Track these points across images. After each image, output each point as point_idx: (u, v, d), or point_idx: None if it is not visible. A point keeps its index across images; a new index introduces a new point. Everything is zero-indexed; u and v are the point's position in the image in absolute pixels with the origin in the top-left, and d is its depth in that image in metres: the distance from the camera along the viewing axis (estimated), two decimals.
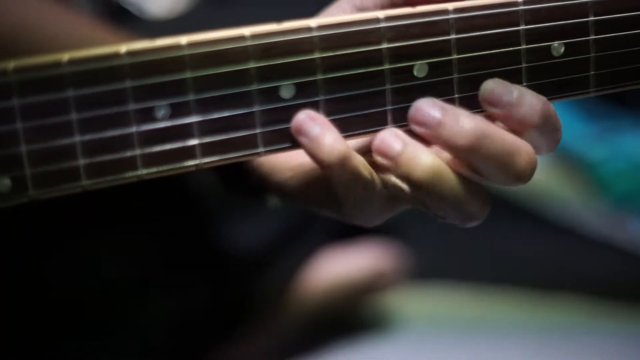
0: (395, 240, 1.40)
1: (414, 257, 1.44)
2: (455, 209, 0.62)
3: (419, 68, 0.61)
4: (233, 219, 1.20)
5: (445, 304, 1.56)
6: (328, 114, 0.60)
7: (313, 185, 0.68)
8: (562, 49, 0.64)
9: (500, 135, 0.61)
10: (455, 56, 0.62)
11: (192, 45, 0.56)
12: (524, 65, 0.64)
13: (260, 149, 0.60)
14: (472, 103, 0.63)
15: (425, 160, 0.60)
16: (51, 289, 1.11)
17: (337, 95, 0.60)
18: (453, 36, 0.61)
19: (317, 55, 0.59)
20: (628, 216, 1.82)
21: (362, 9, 0.65)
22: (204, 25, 1.17)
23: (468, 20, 0.62)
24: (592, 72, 0.65)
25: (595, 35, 0.65)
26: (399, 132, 0.61)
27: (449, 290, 1.58)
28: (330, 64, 0.60)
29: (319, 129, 0.58)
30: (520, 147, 0.61)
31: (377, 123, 0.61)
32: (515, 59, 0.63)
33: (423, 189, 0.60)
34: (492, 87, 0.61)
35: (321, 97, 0.60)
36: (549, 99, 0.64)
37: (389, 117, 0.61)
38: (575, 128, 1.95)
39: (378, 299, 1.44)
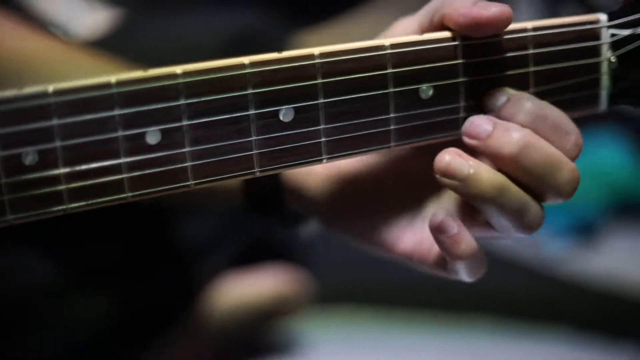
0: (298, 264, 1.40)
1: (321, 279, 1.45)
2: (519, 213, 0.63)
3: (285, 113, 0.61)
4: (151, 228, 1.19)
5: (352, 326, 1.56)
6: (194, 159, 0.60)
7: (343, 199, 0.73)
8: (431, 92, 0.65)
9: (544, 148, 0.63)
10: (321, 100, 0.62)
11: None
12: (392, 107, 0.64)
13: (128, 194, 0.60)
14: (338, 147, 0.63)
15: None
16: None
17: (203, 143, 0.60)
18: (319, 80, 0.62)
19: (182, 101, 0.59)
20: (541, 236, 1.84)
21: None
22: (126, 46, 1.17)
23: (335, 65, 0.62)
24: (461, 115, 0.66)
25: (464, 78, 0.66)
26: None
27: (356, 311, 1.59)
28: (196, 110, 0.60)
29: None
30: (563, 161, 0.63)
31: (242, 168, 0.61)
32: (384, 101, 0.64)
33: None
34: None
35: (187, 145, 0.60)
36: (419, 140, 0.65)
37: (255, 161, 0.61)
38: None
39: (282, 323, 1.44)
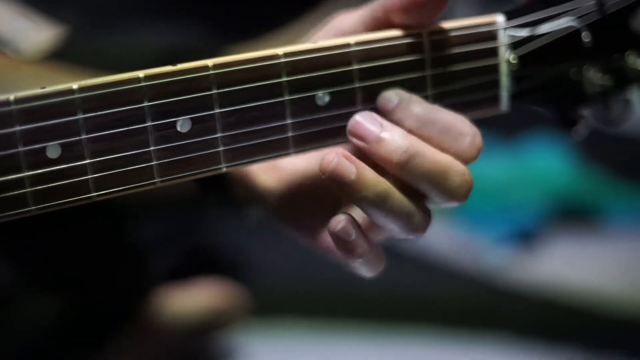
0: (235, 278, 1.42)
1: (260, 290, 1.46)
2: (404, 218, 0.64)
3: (182, 124, 0.63)
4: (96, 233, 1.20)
5: (292, 336, 1.57)
6: (95, 171, 0.62)
7: (298, 198, 0.73)
8: (327, 98, 0.66)
9: (432, 155, 0.64)
10: (217, 110, 0.63)
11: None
12: (288, 115, 0.66)
13: (32, 207, 0.61)
14: (237, 155, 0.65)
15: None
16: None
17: (103, 155, 0.61)
18: (214, 91, 0.63)
19: (80, 116, 0.61)
20: (480, 243, 1.85)
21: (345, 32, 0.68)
22: (70, 62, 1.19)
23: (229, 75, 0.64)
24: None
25: (360, 83, 0.67)
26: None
27: (295, 322, 1.60)
28: (95, 124, 0.61)
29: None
30: (453, 167, 0.64)
31: (143, 179, 0.63)
32: (280, 109, 0.65)
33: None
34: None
35: (88, 158, 0.61)
36: (320, 146, 0.66)
37: (155, 172, 0.63)
38: None
39: (220, 335, 1.45)
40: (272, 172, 0.77)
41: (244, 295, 1.42)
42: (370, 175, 0.63)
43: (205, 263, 1.41)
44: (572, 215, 1.94)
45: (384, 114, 0.66)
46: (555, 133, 2.03)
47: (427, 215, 0.66)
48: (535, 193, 1.91)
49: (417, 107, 0.66)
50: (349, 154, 0.63)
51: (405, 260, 1.81)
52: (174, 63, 0.64)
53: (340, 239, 0.64)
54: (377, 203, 0.63)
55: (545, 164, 1.96)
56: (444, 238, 1.86)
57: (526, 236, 1.85)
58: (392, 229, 0.66)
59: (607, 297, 1.72)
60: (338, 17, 0.71)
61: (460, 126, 0.67)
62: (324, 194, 0.68)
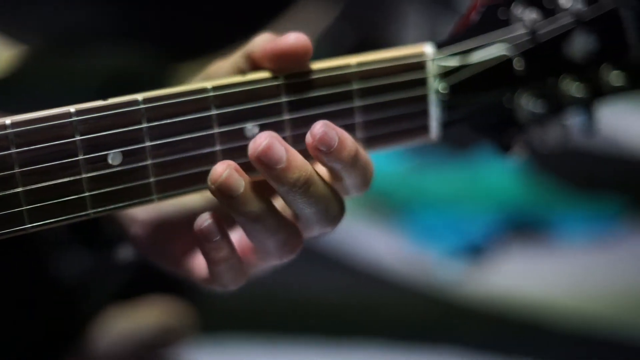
0: (183, 294, 1.43)
1: (207, 308, 1.47)
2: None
3: (113, 156, 0.65)
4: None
5: (237, 354, 1.58)
6: (29, 203, 0.63)
7: (161, 243, 0.75)
8: (257, 130, 0.68)
9: (323, 184, 0.66)
10: (148, 143, 0.65)
11: None
12: (218, 146, 0.68)
13: None
14: (168, 187, 0.67)
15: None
16: None
17: (36, 186, 0.63)
18: (144, 125, 0.65)
19: (13, 150, 0.63)
20: (431, 257, 1.86)
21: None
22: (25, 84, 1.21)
23: (159, 109, 0.66)
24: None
25: (289, 115, 0.69)
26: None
27: (241, 339, 1.61)
28: (28, 159, 0.63)
29: None
30: (335, 195, 0.67)
31: (76, 210, 0.65)
32: (210, 141, 0.67)
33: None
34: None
35: (20, 188, 0.63)
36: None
37: (88, 203, 0.65)
38: (385, 169, 2.01)
39: (168, 352, 1.46)
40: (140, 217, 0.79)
41: (192, 312, 1.43)
42: (253, 191, 0.64)
43: (152, 281, 1.42)
44: (523, 228, 1.96)
45: (320, 153, 0.66)
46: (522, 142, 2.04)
47: (299, 237, 0.68)
48: (485, 206, 1.93)
49: (350, 148, 0.66)
50: (238, 166, 0.64)
51: (355, 274, 1.83)
52: (123, 87, 0.66)
53: (203, 238, 0.65)
54: (256, 221, 0.65)
55: (495, 177, 1.98)
56: (394, 252, 1.87)
57: (477, 250, 1.86)
58: (269, 249, 0.67)
59: (558, 310, 1.73)
60: (214, 64, 0.72)
61: (371, 167, 0.69)
62: (190, 220, 0.69)
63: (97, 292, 1.28)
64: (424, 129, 0.75)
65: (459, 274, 1.84)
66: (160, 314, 1.40)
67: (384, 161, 2.01)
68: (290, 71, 0.68)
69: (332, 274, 1.82)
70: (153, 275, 1.41)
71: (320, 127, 0.64)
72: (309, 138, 0.64)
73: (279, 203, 0.67)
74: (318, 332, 1.64)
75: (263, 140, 0.63)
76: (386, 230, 1.95)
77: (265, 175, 0.64)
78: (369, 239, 1.93)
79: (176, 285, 1.41)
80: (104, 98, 0.65)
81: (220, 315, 1.58)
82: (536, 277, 1.86)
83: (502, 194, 1.96)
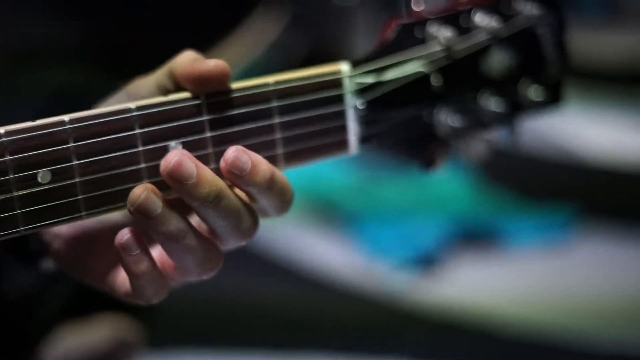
0: (132, 312, 1.45)
1: (153, 324, 1.50)
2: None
3: (43, 175, 0.68)
4: None
5: None
6: None
7: (85, 241, 0.77)
8: (180, 147, 0.72)
9: (235, 198, 0.69)
10: (75, 162, 0.69)
11: None
12: (143, 163, 0.71)
13: None
14: (97, 203, 0.70)
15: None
16: None
17: None
18: (72, 144, 0.68)
19: None
20: (382, 267, 1.89)
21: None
22: None
23: (85, 129, 0.69)
24: (212, 167, 0.73)
25: (211, 133, 0.73)
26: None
27: (190, 353, 1.63)
28: None
29: None
30: (248, 209, 0.70)
31: (9, 227, 0.68)
32: (135, 159, 0.71)
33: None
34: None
35: None
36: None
37: (20, 221, 0.68)
38: (335, 180, 2.04)
39: None
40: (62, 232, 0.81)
41: (141, 326, 1.46)
42: (173, 216, 0.68)
43: (101, 298, 1.44)
44: (473, 237, 1.97)
45: (234, 176, 0.69)
46: (456, 159, 2.07)
47: (218, 256, 0.71)
48: (436, 216, 1.95)
49: (264, 172, 0.70)
50: (156, 189, 0.68)
51: (305, 283, 1.85)
52: (69, 103, 0.70)
53: (124, 252, 0.69)
54: (175, 240, 0.69)
55: (445, 186, 2.01)
56: (346, 262, 1.89)
57: (427, 259, 1.88)
58: (189, 266, 0.71)
59: (507, 318, 1.75)
60: (134, 82, 0.75)
61: (290, 191, 0.72)
62: (111, 235, 0.71)
63: (40, 308, 1.29)
64: (343, 143, 0.78)
65: (409, 283, 1.86)
66: (111, 329, 1.42)
67: (335, 173, 2.04)
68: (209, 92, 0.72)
69: (282, 283, 1.84)
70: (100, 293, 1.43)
71: (232, 152, 0.68)
72: (222, 162, 0.68)
73: (195, 219, 0.70)
74: (268, 341, 1.66)
75: (173, 158, 0.67)
76: (337, 240, 1.97)
77: (178, 191, 0.68)
78: (319, 248, 1.95)
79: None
80: (33, 119, 0.68)
81: (171, 328, 1.60)
82: (486, 285, 1.87)
83: (452, 204, 1.99)
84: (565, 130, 2.32)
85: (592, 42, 2.68)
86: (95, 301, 1.41)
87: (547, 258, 1.97)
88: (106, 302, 1.42)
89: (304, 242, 1.99)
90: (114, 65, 1.62)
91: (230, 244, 0.72)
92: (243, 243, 0.72)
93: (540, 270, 1.92)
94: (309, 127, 0.76)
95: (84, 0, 1.81)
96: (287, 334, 1.69)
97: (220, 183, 0.69)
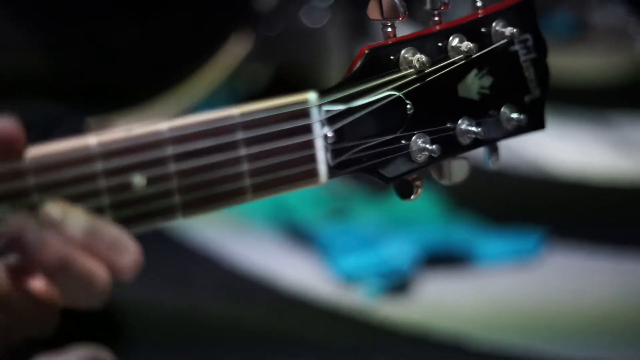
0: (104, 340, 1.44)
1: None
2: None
3: (137, 180, 0.68)
4: None
5: None
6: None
7: None
8: (144, 182, 0.70)
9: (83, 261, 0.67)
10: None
11: None
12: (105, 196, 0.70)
13: None
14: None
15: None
16: None
17: None
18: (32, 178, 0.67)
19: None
20: (352, 287, 1.87)
21: None
22: None
23: (46, 161, 0.67)
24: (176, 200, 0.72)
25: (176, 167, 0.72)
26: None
27: None
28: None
29: None
30: (95, 275, 0.67)
31: None
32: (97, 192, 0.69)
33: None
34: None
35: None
36: (137, 230, 0.70)
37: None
38: (307, 208, 2.03)
39: None
40: None
41: (112, 355, 1.44)
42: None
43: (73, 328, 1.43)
44: (444, 257, 1.96)
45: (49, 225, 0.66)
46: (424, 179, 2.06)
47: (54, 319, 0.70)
48: (405, 238, 1.94)
49: (79, 223, 0.67)
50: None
51: (276, 299, 1.84)
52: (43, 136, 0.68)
53: None
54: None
55: (414, 208, 2.00)
56: (317, 280, 1.88)
57: (399, 279, 1.87)
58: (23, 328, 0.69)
59: (480, 334, 1.74)
60: None
61: (125, 242, 0.69)
62: None
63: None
64: (313, 173, 0.77)
65: (381, 301, 1.84)
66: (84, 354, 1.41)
67: (304, 201, 2.03)
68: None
69: (256, 301, 1.83)
70: (74, 323, 1.42)
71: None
72: None
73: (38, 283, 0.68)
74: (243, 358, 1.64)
75: (15, 224, 0.64)
76: (310, 260, 1.97)
77: (20, 258, 0.65)
78: (290, 266, 1.93)
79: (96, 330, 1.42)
80: None
81: (145, 345, 1.59)
82: (457, 302, 1.87)
83: (422, 225, 1.98)
84: (533, 144, 2.32)
85: (560, 60, 2.68)
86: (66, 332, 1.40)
87: (516, 273, 1.96)
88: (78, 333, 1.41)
89: (274, 257, 1.98)
90: (89, 97, 1.62)
91: (80, 305, 0.69)
92: (96, 305, 0.69)
93: (510, 286, 1.91)
94: (277, 158, 0.75)
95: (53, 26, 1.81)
96: (258, 349, 1.68)
97: (66, 250, 0.66)
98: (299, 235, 2.03)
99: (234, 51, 1.99)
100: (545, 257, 2.00)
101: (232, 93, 2.14)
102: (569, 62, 2.79)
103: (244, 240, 2.03)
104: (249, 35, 1.95)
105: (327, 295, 1.84)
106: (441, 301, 1.87)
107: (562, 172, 2.39)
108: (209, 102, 2.04)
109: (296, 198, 1.95)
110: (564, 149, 2.46)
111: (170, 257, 1.91)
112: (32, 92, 1.40)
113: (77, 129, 1.28)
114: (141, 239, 0.71)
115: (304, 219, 2.02)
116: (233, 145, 0.73)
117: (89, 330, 1.47)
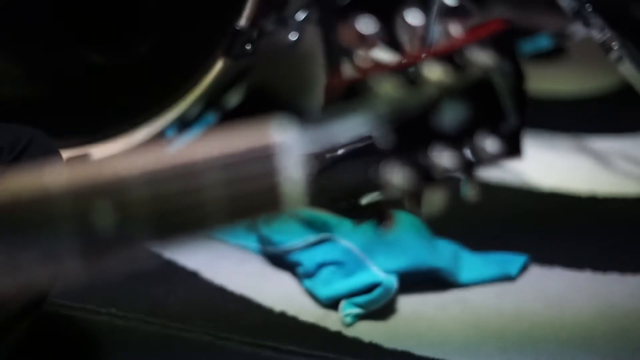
0: None
1: None
2: None
3: None
4: None
5: None
6: None
7: None
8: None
9: None
10: None
11: None
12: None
13: None
14: None
15: None
16: None
17: None
18: None
19: None
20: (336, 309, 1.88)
21: None
22: None
23: None
24: None
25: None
26: None
27: None
28: None
29: None
30: None
31: None
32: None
33: None
34: None
35: None
36: None
37: None
38: (287, 234, 2.02)
39: None
40: None
41: None
42: None
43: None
44: (426, 279, 1.97)
45: None
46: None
47: None
48: (386, 263, 1.94)
49: None
50: None
51: (261, 314, 1.83)
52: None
53: None
54: None
55: (396, 234, 1.99)
56: (296, 304, 1.87)
57: (378, 305, 1.88)
58: None
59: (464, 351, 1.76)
60: None
61: None
62: None
63: None
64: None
65: (365, 325, 1.85)
66: None
67: (292, 233, 2.02)
68: None
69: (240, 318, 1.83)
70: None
71: None
72: None
73: None
74: None
75: None
76: (288, 284, 1.97)
77: None
78: (269, 290, 1.94)
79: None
80: None
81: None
82: (440, 322, 1.87)
83: (404, 251, 1.97)
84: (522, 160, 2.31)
85: (540, 74, 2.67)
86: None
87: (497, 289, 1.96)
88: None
89: (258, 273, 1.97)
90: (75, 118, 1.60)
91: None
92: None
93: (491, 303, 1.91)
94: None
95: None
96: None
97: None
98: (279, 260, 2.01)
99: (212, 71, 1.99)
100: (526, 270, 2.01)
101: (211, 110, 2.14)
102: (548, 75, 2.80)
103: (224, 262, 2.03)
104: (226, 54, 1.94)
105: (307, 319, 1.82)
106: (422, 320, 1.86)
107: (540, 182, 2.38)
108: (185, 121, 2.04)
109: (276, 224, 1.94)
110: (541, 158, 2.46)
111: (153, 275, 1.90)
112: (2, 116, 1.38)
113: (47, 152, 1.27)
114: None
115: (284, 244, 1.99)
116: None
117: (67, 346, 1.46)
